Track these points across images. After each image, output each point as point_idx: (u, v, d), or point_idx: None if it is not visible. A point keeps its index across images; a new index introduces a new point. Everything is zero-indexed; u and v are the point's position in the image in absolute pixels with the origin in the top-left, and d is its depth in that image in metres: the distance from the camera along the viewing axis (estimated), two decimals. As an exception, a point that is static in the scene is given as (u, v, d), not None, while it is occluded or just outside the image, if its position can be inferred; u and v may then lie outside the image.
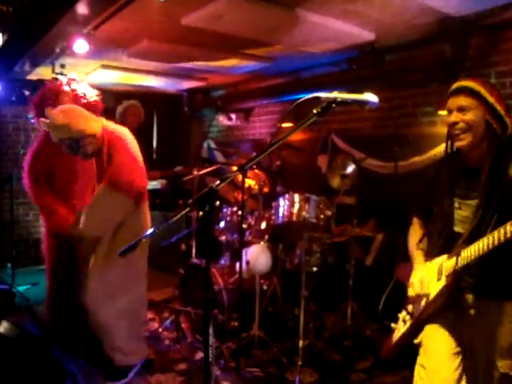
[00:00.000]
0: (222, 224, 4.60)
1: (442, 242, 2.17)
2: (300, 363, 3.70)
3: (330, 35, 4.17)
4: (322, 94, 1.77)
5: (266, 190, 4.66)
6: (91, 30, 4.05)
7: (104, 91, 6.58)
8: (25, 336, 3.36)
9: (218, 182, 1.73)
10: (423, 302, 2.18)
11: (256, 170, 4.61)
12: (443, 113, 4.37)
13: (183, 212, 1.78)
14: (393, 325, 2.41)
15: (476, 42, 4.09)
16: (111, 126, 3.44)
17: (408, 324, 2.34)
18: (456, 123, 2.08)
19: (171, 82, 6.54)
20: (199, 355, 4.06)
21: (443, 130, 4.60)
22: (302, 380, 3.65)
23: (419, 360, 2.29)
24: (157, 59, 5.21)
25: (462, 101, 2.06)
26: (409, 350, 3.89)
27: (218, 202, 4.71)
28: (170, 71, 5.96)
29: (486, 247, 1.86)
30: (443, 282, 2.08)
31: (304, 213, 3.93)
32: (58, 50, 4.66)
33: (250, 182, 4.58)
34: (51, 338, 4.28)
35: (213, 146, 7.54)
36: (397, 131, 4.91)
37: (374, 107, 1.82)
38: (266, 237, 4.36)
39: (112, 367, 3.47)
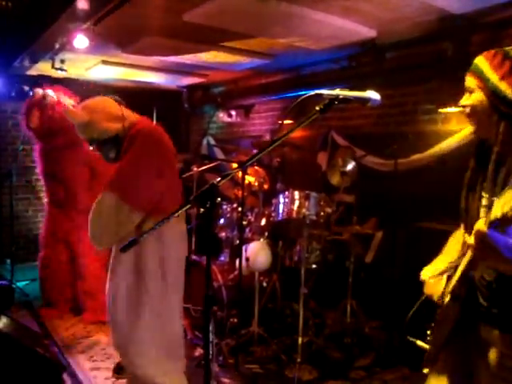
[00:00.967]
0: (221, 221, 4.60)
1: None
2: (299, 360, 3.70)
3: (331, 32, 4.16)
4: (325, 91, 1.76)
5: (265, 186, 4.66)
6: (91, 26, 4.03)
7: (104, 87, 6.63)
8: (23, 331, 3.36)
9: (219, 178, 1.72)
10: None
11: (256, 167, 4.62)
12: (443, 110, 4.38)
13: (184, 209, 1.77)
14: (419, 342, 2.22)
15: (477, 40, 4.08)
16: (143, 122, 2.99)
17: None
18: (463, 107, 1.84)
19: (171, 78, 6.52)
20: (198, 352, 4.06)
21: (443, 127, 4.62)
22: (301, 377, 3.65)
23: None
24: (157, 54, 5.19)
25: (468, 81, 1.82)
26: (407, 348, 3.90)
27: (218, 199, 4.71)
28: (170, 67, 5.94)
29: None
30: (468, 256, 1.77)
31: (304, 210, 3.93)
32: (57, 46, 4.64)
33: (249, 179, 4.58)
34: (49, 333, 4.29)
35: (212, 142, 7.53)
36: (397, 129, 4.90)
37: (375, 105, 1.81)
38: (266, 234, 4.37)
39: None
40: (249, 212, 4.54)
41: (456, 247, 1.98)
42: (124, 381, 3.46)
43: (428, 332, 2.02)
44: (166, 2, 3.55)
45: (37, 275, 5.15)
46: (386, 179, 4.49)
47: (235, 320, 4.11)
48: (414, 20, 3.90)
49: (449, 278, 1.92)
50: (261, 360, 3.95)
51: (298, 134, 5.70)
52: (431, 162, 4.43)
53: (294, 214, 4.01)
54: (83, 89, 5.14)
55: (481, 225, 1.49)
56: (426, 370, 2.01)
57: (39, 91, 4.57)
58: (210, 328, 3.36)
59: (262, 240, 4.29)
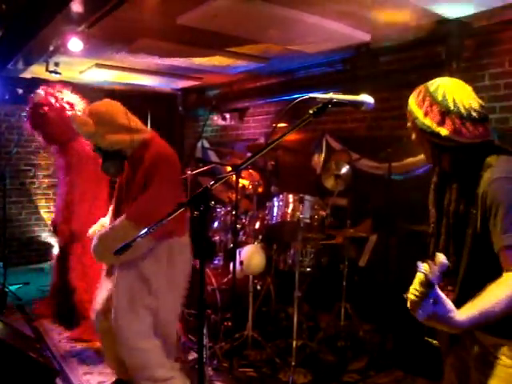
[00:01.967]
0: (215, 224, 4.59)
1: None
2: (293, 364, 3.69)
3: (326, 35, 4.17)
4: (318, 95, 1.76)
5: (260, 190, 4.66)
6: (86, 29, 4.03)
7: (98, 90, 6.62)
8: (16, 335, 3.34)
9: (213, 181, 1.72)
10: None
11: (250, 170, 4.61)
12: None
13: (178, 212, 1.77)
14: (435, 342, 2.20)
15: (470, 44, 4.10)
16: (157, 141, 3.02)
17: None
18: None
19: (166, 80, 6.53)
20: (192, 355, 4.05)
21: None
22: (296, 380, 3.65)
23: None
24: (151, 57, 5.19)
25: (407, 114, 1.88)
26: (401, 352, 3.91)
27: (212, 202, 4.70)
28: (165, 70, 5.95)
29: None
30: None
31: (298, 213, 3.94)
32: (52, 48, 4.65)
33: (244, 182, 4.57)
34: (42, 337, 4.27)
35: (207, 145, 7.52)
36: (391, 132, 4.91)
37: (369, 108, 1.82)
38: (260, 237, 4.36)
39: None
40: (243, 215, 4.54)
41: None
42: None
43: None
44: (159, 5, 3.55)
45: (29, 279, 5.10)
46: (380, 183, 4.50)
47: (229, 323, 4.10)
48: (408, 24, 3.92)
49: None
50: (255, 363, 3.94)
51: (292, 137, 5.70)
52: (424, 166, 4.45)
53: (288, 218, 4.02)
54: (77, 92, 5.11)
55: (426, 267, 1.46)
56: None
57: (41, 93, 4.50)
58: (204, 331, 3.35)
59: (256, 243, 4.28)
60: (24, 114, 4.64)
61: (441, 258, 1.44)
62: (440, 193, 1.86)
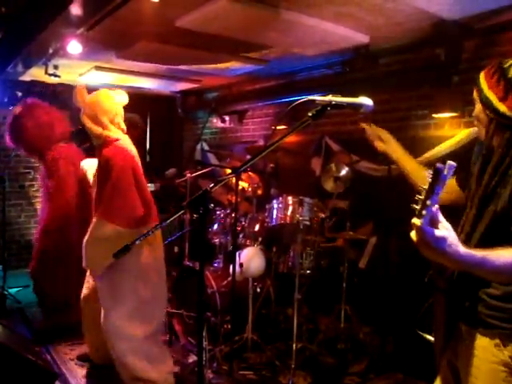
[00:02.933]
0: (215, 226, 4.59)
1: None
2: (293, 366, 3.69)
3: (324, 38, 4.17)
4: (318, 97, 1.76)
5: (259, 192, 4.66)
6: (85, 31, 4.03)
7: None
8: (15, 338, 3.34)
9: (213, 184, 1.72)
10: None
11: (250, 173, 4.61)
12: (437, 116, 4.40)
13: (177, 214, 1.77)
14: (428, 336, 2.19)
15: (470, 46, 4.10)
16: (119, 143, 3.27)
17: None
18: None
19: (165, 83, 6.52)
20: (192, 358, 4.04)
21: (437, 133, 4.63)
22: (296, 383, 3.64)
23: None
24: (151, 61, 5.19)
25: (474, 93, 1.80)
26: (401, 354, 3.90)
27: (211, 205, 4.70)
28: (164, 73, 5.94)
29: None
30: None
31: (298, 215, 3.93)
32: (51, 51, 4.65)
33: (243, 185, 4.57)
34: (42, 340, 4.26)
35: (206, 147, 7.52)
36: (390, 134, 4.90)
37: (368, 111, 1.82)
38: (260, 239, 4.36)
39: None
40: (242, 218, 4.54)
41: None
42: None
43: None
44: (158, 8, 3.54)
45: (29, 282, 5.08)
46: (380, 185, 4.50)
47: (229, 326, 4.09)
48: (407, 26, 3.92)
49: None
50: (255, 366, 3.93)
51: (291, 139, 5.70)
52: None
53: (288, 220, 4.01)
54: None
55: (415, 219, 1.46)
56: None
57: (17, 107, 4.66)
58: (204, 334, 3.35)
59: (255, 246, 4.28)
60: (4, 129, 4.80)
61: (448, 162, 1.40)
62: (482, 170, 1.80)
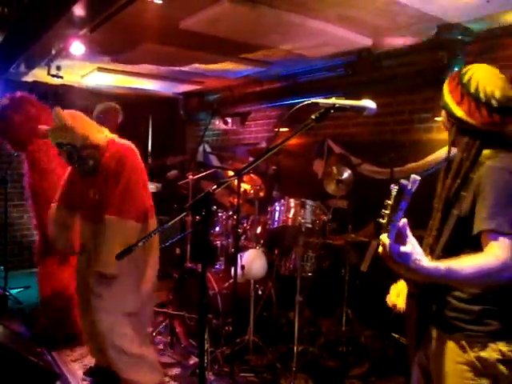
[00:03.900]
0: (217, 228, 4.59)
1: None
2: (294, 369, 3.69)
3: (327, 40, 4.17)
4: (321, 100, 1.76)
5: (261, 194, 4.66)
6: (88, 32, 4.03)
7: (99, 94, 6.62)
8: (16, 339, 3.33)
9: (215, 186, 1.71)
10: None
11: (252, 175, 4.61)
12: (439, 119, 4.38)
13: (180, 216, 1.77)
14: (402, 339, 2.24)
15: (472, 49, 4.10)
16: (118, 139, 3.38)
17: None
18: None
19: (167, 85, 6.53)
20: (193, 360, 4.04)
21: (439, 136, 4.62)
22: (297, 386, 3.64)
23: None
24: (154, 62, 5.19)
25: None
26: (403, 357, 3.87)
27: (214, 207, 4.70)
28: (167, 74, 5.95)
29: None
30: None
31: (300, 218, 3.93)
32: (54, 52, 4.65)
33: (245, 187, 4.57)
34: (43, 340, 4.25)
35: (208, 149, 7.52)
36: (393, 137, 4.91)
37: (371, 114, 1.81)
38: (262, 241, 4.36)
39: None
40: (244, 220, 4.54)
41: None
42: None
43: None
44: (162, 9, 3.54)
45: (30, 282, 5.08)
46: (382, 187, 4.49)
47: (230, 328, 4.08)
48: (410, 29, 3.92)
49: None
50: (256, 368, 3.92)
51: (294, 141, 5.70)
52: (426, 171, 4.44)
53: (290, 222, 4.01)
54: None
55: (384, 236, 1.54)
56: None
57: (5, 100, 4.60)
58: (205, 336, 3.34)
59: (257, 248, 4.28)
60: None
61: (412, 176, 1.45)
62: (446, 174, 1.87)
